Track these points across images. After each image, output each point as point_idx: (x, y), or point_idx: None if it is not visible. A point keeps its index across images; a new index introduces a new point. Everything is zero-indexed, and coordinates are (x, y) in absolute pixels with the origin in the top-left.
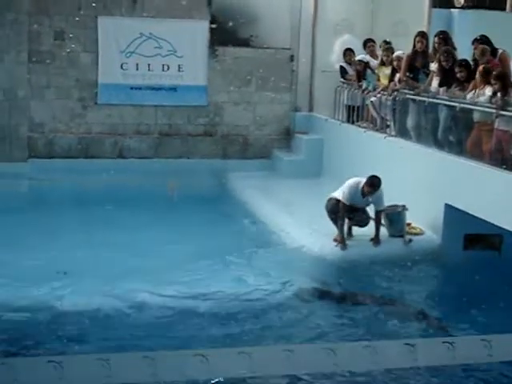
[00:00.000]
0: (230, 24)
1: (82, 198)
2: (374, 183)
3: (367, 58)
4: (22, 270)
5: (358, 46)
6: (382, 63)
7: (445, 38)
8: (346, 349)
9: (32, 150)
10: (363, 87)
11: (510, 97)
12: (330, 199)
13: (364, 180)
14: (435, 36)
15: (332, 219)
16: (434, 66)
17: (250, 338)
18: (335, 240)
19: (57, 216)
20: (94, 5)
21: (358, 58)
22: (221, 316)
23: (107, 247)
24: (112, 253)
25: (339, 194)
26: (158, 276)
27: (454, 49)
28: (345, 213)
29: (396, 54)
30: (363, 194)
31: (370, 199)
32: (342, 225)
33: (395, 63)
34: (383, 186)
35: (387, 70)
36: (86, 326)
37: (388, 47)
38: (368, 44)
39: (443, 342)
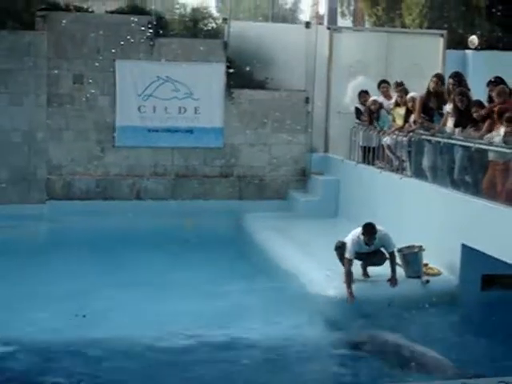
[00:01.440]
0: (246, 67)
1: (100, 240)
2: (368, 231)
3: (381, 98)
4: (37, 312)
5: (372, 88)
6: (397, 104)
7: (459, 79)
8: None
9: (50, 192)
10: (378, 128)
11: None
12: (338, 242)
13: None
14: (449, 77)
15: (340, 260)
16: (448, 107)
17: None
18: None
19: (74, 258)
20: (112, 50)
21: (372, 98)
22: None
23: (123, 290)
24: (127, 296)
25: (346, 240)
26: (172, 320)
27: (468, 90)
28: (349, 268)
29: (410, 95)
30: (366, 243)
31: (376, 245)
32: (349, 282)
33: (409, 104)
34: (400, 226)
35: (401, 111)
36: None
37: (402, 88)
38: (382, 85)
39: None
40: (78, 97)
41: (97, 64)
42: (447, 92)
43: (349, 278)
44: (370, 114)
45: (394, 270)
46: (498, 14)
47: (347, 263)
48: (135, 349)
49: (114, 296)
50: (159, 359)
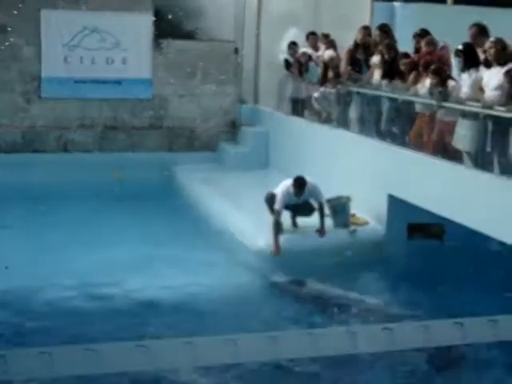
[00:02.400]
0: (174, 17)
1: (26, 192)
2: (298, 183)
3: (310, 50)
4: None
5: (302, 39)
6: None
7: (386, 30)
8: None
9: None
10: (307, 80)
11: (448, 88)
12: (268, 193)
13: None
14: (377, 29)
15: (270, 211)
16: (375, 59)
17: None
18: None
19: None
20: None
21: (301, 50)
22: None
23: (46, 242)
24: (49, 249)
25: (276, 192)
26: (105, 273)
27: (395, 41)
28: (278, 219)
29: (328, 54)
30: (296, 195)
31: (305, 196)
32: (276, 233)
33: (330, 63)
34: (328, 177)
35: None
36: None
37: (328, 40)
38: (310, 37)
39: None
40: (2, 47)
41: (21, 14)
42: (374, 44)
43: (276, 230)
44: (299, 66)
45: (322, 221)
46: None
47: (276, 214)
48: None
49: (35, 248)
50: (80, 307)
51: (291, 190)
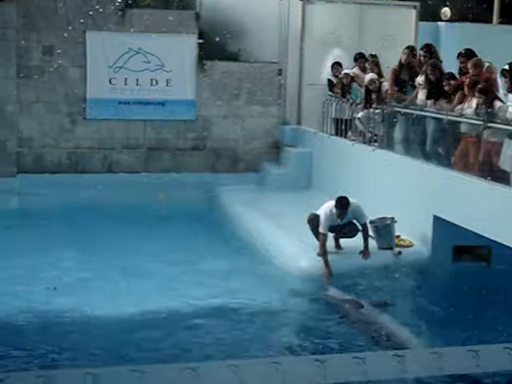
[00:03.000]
0: (218, 38)
1: (71, 213)
2: (341, 204)
3: (355, 71)
4: (10, 284)
5: (345, 60)
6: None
7: (430, 51)
8: (335, 360)
9: (21, 166)
10: (350, 100)
11: (494, 109)
12: (311, 214)
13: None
14: (421, 49)
15: (313, 232)
16: (420, 79)
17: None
18: (319, 255)
19: (46, 231)
20: (82, 20)
21: (344, 71)
22: (215, 329)
23: (95, 262)
24: (99, 268)
25: (319, 214)
26: (149, 290)
27: (440, 61)
28: (325, 243)
29: (369, 77)
30: (339, 217)
31: (348, 217)
32: (326, 259)
33: (371, 86)
34: (372, 198)
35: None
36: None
37: (373, 61)
38: (359, 60)
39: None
40: (48, 68)
41: (67, 35)
42: (419, 64)
43: (326, 256)
44: (342, 87)
45: (366, 242)
46: None
47: (322, 239)
48: (109, 322)
49: (86, 269)
50: (138, 333)
51: (334, 211)
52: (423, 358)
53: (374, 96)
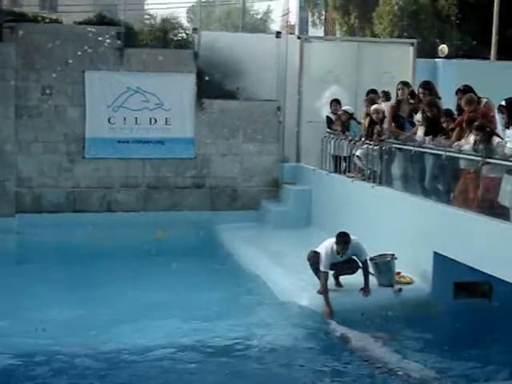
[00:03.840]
0: (217, 77)
1: (70, 253)
2: (342, 240)
3: (353, 109)
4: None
5: (344, 97)
6: (367, 114)
7: (429, 88)
8: None
9: (19, 205)
10: (349, 138)
11: (493, 145)
12: (311, 252)
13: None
14: (419, 87)
15: (313, 270)
16: (419, 116)
17: None
18: (319, 292)
19: (44, 271)
20: (81, 61)
21: (343, 108)
22: (215, 369)
23: (92, 303)
24: (96, 309)
25: (319, 251)
26: (148, 330)
27: (438, 98)
28: (326, 281)
29: (373, 106)
30: (339, 253)
31: (348, 255)
32: (327, 297)
33: (374, 116)
34: (372, 235)
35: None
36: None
37: (368, 98)
38: (370, 95)
39: None
40: (47, 108)
41: (65, 75)
42: (418, 101)
43: (326, 293)
44: (341, 124)
45: (366, 280)
46: (468, 23)
47: (323, 277)
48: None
49: (81, 310)
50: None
51: (335, 248)
52: None
53: (376, 128)
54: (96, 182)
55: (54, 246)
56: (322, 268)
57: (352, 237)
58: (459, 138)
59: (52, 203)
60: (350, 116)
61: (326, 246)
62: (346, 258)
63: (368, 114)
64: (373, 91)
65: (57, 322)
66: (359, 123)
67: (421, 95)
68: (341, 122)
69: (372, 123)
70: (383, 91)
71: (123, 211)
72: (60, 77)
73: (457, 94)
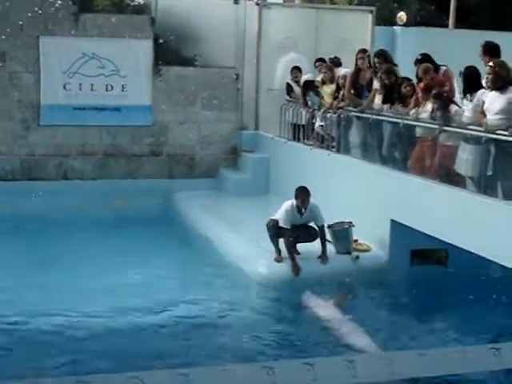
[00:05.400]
0: (174, 43)
1: (25, 221)
2: (302, 193)
3: (315, 76)
4: None
5: (303, 64)
6: (323, 82)
7: (384, 57)
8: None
9: None
10: (309, 105)
11: (450, 113)
12: (271, 220)
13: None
14: (374, 56)
15: (271, 239)
16: (376, 84)
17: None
18: (276, 260)
19: None
20: (36, 26)
21: (305, 77)
22: (171, 334)
23: (45, 271)
24: (50, 279)
25: (278, 216)
26: (102, 300)
27: (395, 65)
28: (289, 237)
29: (342, 72)
30: (299, 212)
31: (307, 216)
32: (293, 255)
33: (341, 81)
34: (330, 203)
35: (328, 89)
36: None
37: (327, 65)
38: (317, 63)
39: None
40: (1, 75)
41: (20, 41)
42: (374, 70)
43: (292, 251)
44: (303, 91)
45: (324, 247)
46: None
47: (286, 234)
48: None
49: (36, 277)
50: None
51: (295, 204)
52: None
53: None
54: (52, 150)
55: (9, 214)
56: (282, 224)
57: (311, 199)
58: (416, 106)
59: (6, 171)
60: (312, 84)
61: (285, 206)
62: (305, 220)
63: (324, 82)
64: (320, 59)
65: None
66: (317, 93)
67: (376, 64)
68: (302, 90)
69: (338, 88)
70: (335, 57)
71: (80, 179)
72: (13, 42)
73: (415, 64)
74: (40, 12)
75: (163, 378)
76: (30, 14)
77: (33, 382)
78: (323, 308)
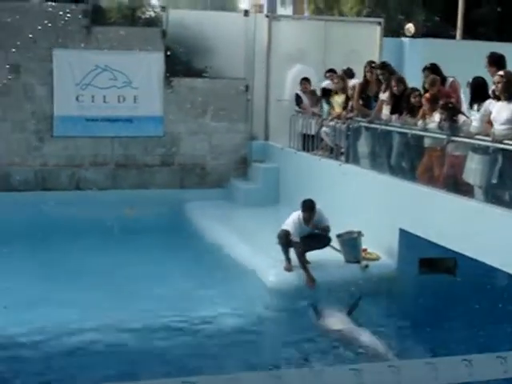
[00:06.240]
0: (185, 55)
1: (39, 230)
2: (308, 206)
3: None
4: None
5: (311, 75)
6: (335, 92)
7: (387, 69)
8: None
9: None
10: (320, 114)
11: (458, 123)
12: (282, 230)
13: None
14: (377, 68)
15: (282, 249)
16: (383, 96)
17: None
18: (286, 269)
19: (14, 249)
20: (49, 39)
21: (324, 83)
22: (181, 344)
23: (61, 281)
24: (65, 287)
25: (287, 227)
26: (116, 307)
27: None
28: (300, 248)
29: (352, 82)
30: (306, 223)
31: (315, 223)
32: (306, 267)
33: (350, 92)
34: (339, 212)
35: (339, 99)
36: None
37: (339, 76)
38: (327, 74)
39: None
40: (15, 87)
41: (33, 54)
42: (376, 82)
43: (305, 263)
44: (320, 98)
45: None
46: (434, 2)
47: (298, 247)
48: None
49: (50, 288)
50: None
51: (301, 217)
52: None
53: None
54: (65, 161)
55: (23, 224)
56: (293, 239)
57: (317, 206)
58: (425, 116)
59: (21, 182)
60: (330, 92)
61: (292, 217)
62: (313, 228)
63: (336, 92)
64: (331, 70)
65: (25, 301)
66: (329, 102)
67: (380, 77)
68: (315, 98)
69: (348, 99)
70: (348, 68)
71: (92, 189)
72: (27, 55)
73: (424, 71)
74: (53, 25)
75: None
76: (42, 27)
77: None
78: (333, 317)
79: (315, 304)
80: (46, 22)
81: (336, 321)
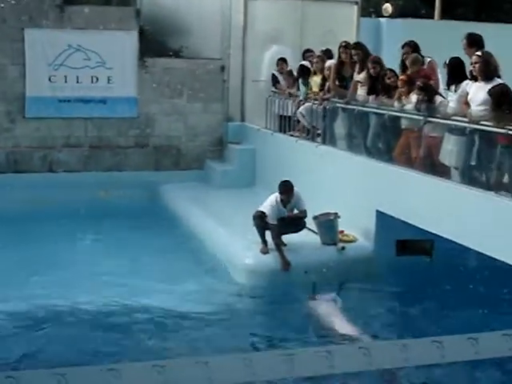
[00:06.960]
0: (160, 35)
1: (9, 213)
2: (285, 188)
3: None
4: None
5: (288, 55)
6: (314, 72)
7: (360, 48)
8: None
9: None
10: (296, 94)
11: (435, 104)
12: (257, 211)
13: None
14: (351, 49)
15: (258, 230)
16: (358, 77)
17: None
18: (262, 251)
19: None
20: (20, 18)
21: (303, 62)
22: (156, 327)
23: (31, 262)
24: (34, 268)
25: (264, 209)
26: (87, 291)
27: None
28: (277, 232)
29: (328, 63)
30: (284, 205)
31: (292, 204)
32: (281, 250)
33: (327, 73)
34: (316, 194)
35: (318, 79)
36: None
37: (319, 56)
38: (307, 54)
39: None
40: None
41: (4, 33)
42: (351, 63)
43: (280, 246)
44: (297, 75)
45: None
46: None
47: (274, 230)
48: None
49: (17, 269)
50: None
51: (279, 199)
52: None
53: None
54: (37, 142)
55: None
56: (270, 221)
57: (294, 188)
58: (399, 98)
59: None
60: (308, 71)
61: (270, 200)
62: (289, 209)
63: (315, 72)
64: (309, 51)
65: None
66: (306, 83)
67: (354, 57)
68: (291, 79)
69: (325, 80)
70: (327, 49)
71: (65, 171)
72: None
73: (403, 47)
74: (25, 4)
75: (140, 369)
76: (14, 6)
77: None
78: (322, 304)
79: (315, 282)
80: (17, 0)
81: (324, 308)
